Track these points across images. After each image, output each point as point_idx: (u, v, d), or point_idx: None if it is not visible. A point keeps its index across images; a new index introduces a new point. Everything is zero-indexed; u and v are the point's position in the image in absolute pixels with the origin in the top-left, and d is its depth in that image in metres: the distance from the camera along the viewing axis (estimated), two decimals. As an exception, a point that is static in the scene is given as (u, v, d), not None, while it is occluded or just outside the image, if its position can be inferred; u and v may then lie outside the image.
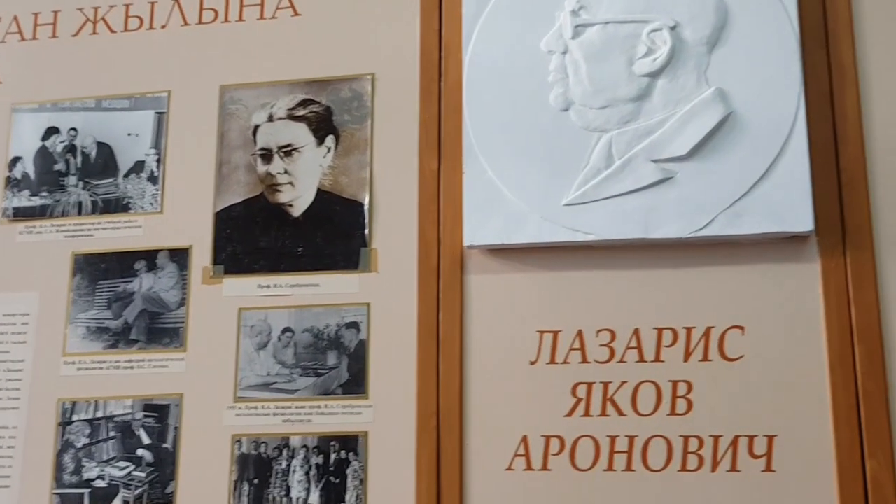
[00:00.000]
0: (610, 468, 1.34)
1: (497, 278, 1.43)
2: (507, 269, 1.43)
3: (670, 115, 1.38)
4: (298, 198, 1.53)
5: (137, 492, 1.47)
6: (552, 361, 1.39)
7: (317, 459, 1.43)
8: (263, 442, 1.45)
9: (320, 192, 1.53)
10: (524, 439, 1.37)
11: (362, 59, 1.55)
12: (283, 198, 1.54)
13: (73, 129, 1.63)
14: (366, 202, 1.51)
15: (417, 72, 1.52)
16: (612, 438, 1.35)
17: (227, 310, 1.51)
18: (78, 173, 1.62)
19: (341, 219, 1.51)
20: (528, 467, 1.36)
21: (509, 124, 1.43)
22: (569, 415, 1.36)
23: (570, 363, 1.38)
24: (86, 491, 1.48)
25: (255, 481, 1.44)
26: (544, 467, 1.36)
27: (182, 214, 1.57)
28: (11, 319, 1.58)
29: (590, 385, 1.37)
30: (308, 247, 1.51)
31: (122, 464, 1.49)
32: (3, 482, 1.51)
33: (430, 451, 1.39)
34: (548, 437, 1.36)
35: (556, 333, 1.39)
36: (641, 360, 1.36)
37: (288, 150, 1.55)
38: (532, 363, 1.39)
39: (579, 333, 1.39)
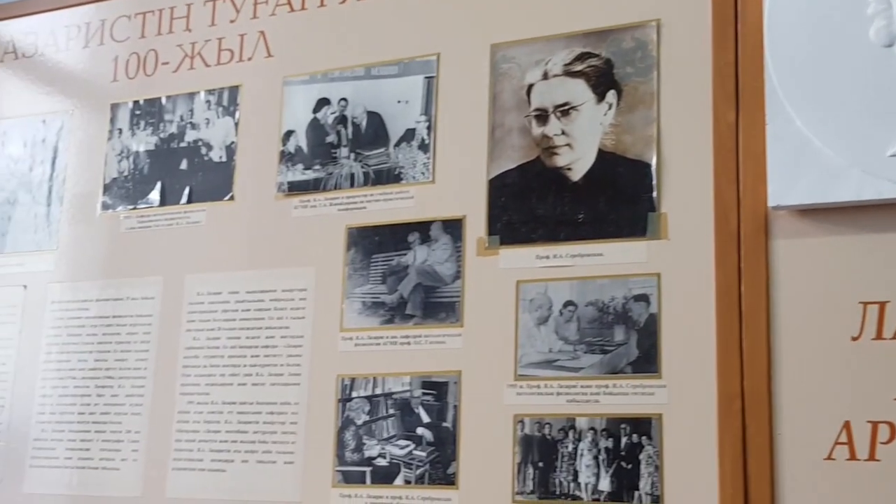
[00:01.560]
0: (955, 461, 1.21)
1: (809, 242, 1.31)
2: (821, 231, 1.31)
3: None
4: (578, 160, 1.48)
5: (419, 471, 1.49)
6: (879, 337, 1.26)
7: (606, 443, 1.39)
8: (547, 423, 1.42)
9: (601, 154, 1.47)
10: (846, 425, 1.25)
11: (645, 5, 1.47)
12: (560, 161, 1.50)
13: (344, 99, 1.66)
14: (653, 162, 1.43)
15: (709, 13, 1.42)
16: (957, 427, 1.21)
17: (505, 282, 1.49)
18: (349, 144, 1.65)
19: (625, 181, 1.45)
20: (852, 457, 1.24)
21: (821, 66, 1.30)
22: (901, 398, 1.24)
23: (901, 339, 1.26)
24: (367, 469, 1.52)
25: (540, 464, 1.41)
26: (871, 457, 1.23)
27: (454, 183, 1.56)
28: (290, 295, 1.64)
29: (928, 364, 1.24)
30: (589, 213, 1.46)
31: (403, 442, 1.51)
32: (288, 458, 1.57)
33: (733, 436, 1.30)
34: (875, 423, 1.24)
35: (882, 305, 1.26)
36: None
37: (565, 110, 1.50)
38: (854, 339, 1.27)
39: (912, 304, 1.26)
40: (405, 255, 1.57)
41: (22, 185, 1.91)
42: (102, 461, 1.70)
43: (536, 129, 1.52)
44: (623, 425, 1.38)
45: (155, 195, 1.78)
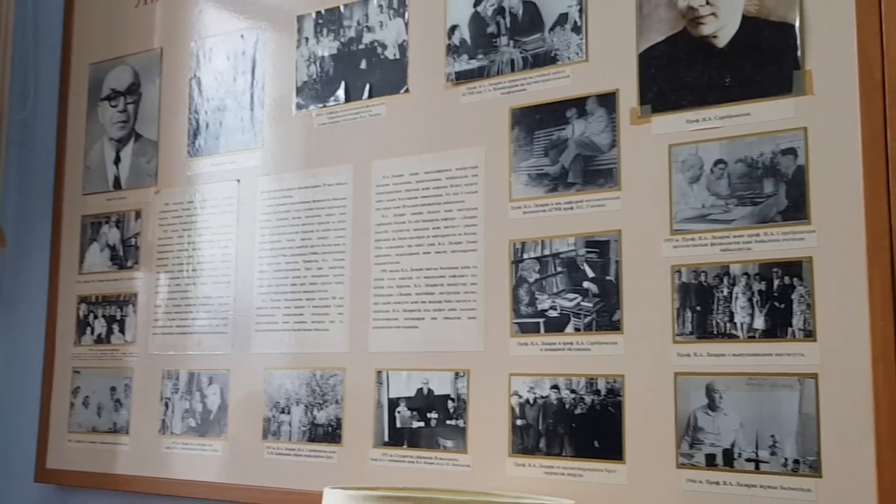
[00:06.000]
0: None
1: (955, 85, 1.24)
2: (967, 73, 1.23)
3: None
4: (723, 28, 1.43)
5: (586, 320, 1.50)
6: None
7: (759, 286, 1.36)
8: (703, 271, 1.41)
9: (745, 19, 1.41)
10: None
11: None
12: (706, 30, 1.44)
13: (501, -9, 1.65)
14: (796, 22, 1.36)
15: None
16: None
17: (658, 147, 1.47)
18: (508, 33, 1.63)
19: (770, 43, 1.38)
20: None
21: None
22: None
23: None
24: (541, 320, 1.54)
25: (698, 308, 1.40)
26: None
27: (606, 60, 1.53)
28: (463, 172, 1.66)
29: None
30: (736, 76, 1.41)
31: (571, 295, 1.52)
32: (471, 314, 1.61)
33: (882, 272, 1.26)
34: None
35: None
36: None
37: (709, -19, 1.44)
38: None
39: None
40: (564, 129, 1.56)
41: (228, 94, 1.98)
42: (314, 324, 1.79)
43: (682, 2, 1.46)
44: (775, 269, 1.35)
45: (340, 93, 1.82)
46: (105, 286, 2.12)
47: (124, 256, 2.10)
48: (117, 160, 2.14)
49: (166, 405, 1.97)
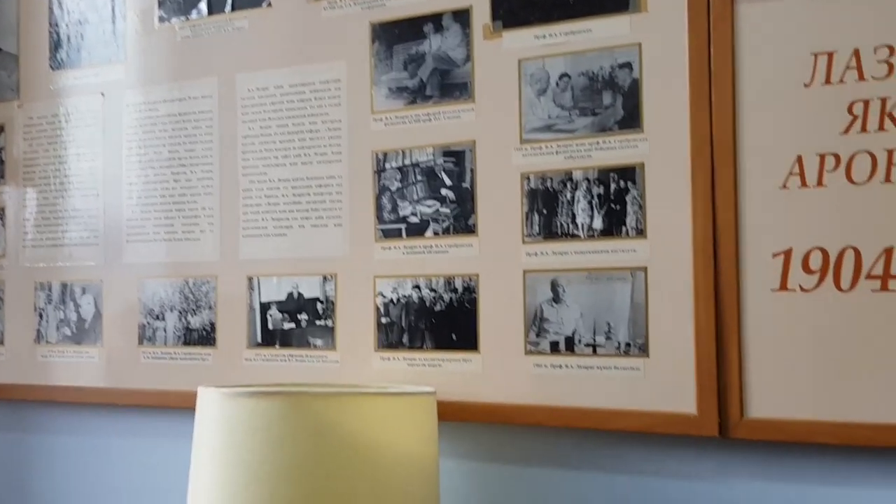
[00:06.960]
0: (888, 180, 1.22)
1: (768, 6, 1.29)
2: (779, -5, 1.29)
3: None
4: (567, -52, 1.45)
5: (444, 225, 1.53)
6: (827, 82, 1.26)
7: (598, 190, 1.42)
8: (549, 177, 1.45)
9: (588, -59, 1.43)
10: (798, 159, 1.27)
11: None
12: (552, -50, 1.46)
13: None
14: (633, -56, 1.40)
15: None
16: (890, 152, 1.22)
17: (508, 62, 1.48)
18: (367, -51, 1.61)
19: (609, -36, 1.41)
20: (803, 184, 1.27)
21: None
22: (845, 132, 1.25)
23: (845, 83, 1.25)
24: (402, 226, 1.57)
25: (544, 211, 1.45)
26: (819, 184, 1.26)
27: (460, -23, 1.53)
28: (326, 86, 1.64)
29: (866, 102, 1.23)
30: (579, -5, 1.44)
31: (430, 202, 1.55)
32: (337, 221, 1.62)
33: (704, 175, 1.33)
34: (822, 155, 1.26)
35: (830, 55, 1.25)
36: (924, 72, 1.21)
37: None
38: (806, 85, 1.27)
39: (856, 52, 1.24)
40: (422, 44, 1.55)
41: (89, 7, 1.87)
42: (185, 234, 1.76)
43: (530, -77, 1.47)
44: (612, 174, 1.40)
45: (203, 6, 1.75)
46: (-30, 201, 2.01)
47: (-11, 171, 1.99)
48: (-25, 74, 2.01)
49: (40, 315, 1.91)
